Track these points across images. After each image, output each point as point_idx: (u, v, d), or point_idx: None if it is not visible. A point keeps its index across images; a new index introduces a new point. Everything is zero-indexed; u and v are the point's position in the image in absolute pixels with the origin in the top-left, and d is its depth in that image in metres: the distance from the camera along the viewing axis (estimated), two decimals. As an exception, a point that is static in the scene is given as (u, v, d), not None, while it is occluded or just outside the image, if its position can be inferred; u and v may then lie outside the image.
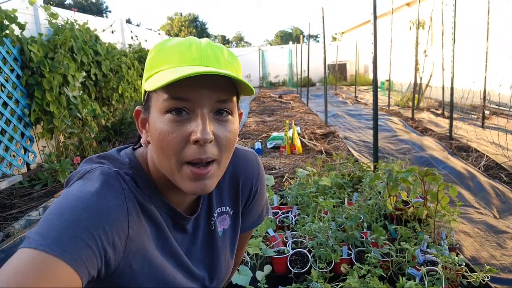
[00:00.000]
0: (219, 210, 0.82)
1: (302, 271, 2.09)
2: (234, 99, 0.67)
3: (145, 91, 0.67)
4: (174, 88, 0.61)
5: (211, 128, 0.62)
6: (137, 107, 0.72)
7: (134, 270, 0.66)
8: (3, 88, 3.87)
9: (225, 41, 49.57)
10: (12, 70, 4.01)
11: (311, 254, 2.16)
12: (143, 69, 7.94)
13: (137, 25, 18.60)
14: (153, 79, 0.64)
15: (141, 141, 0.72)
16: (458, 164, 4.11)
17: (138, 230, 0.66)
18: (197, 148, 0.62)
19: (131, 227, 0.64)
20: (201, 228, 0.79)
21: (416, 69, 7.87)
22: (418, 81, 8.30)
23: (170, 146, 0.62)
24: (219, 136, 0.64)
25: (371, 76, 13.36)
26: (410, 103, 8.27)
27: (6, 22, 3.93)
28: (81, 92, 4.89)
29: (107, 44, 6.22)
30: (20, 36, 4.15)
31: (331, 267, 2.07)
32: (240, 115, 0.74)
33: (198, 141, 0.61)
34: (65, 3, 31.86)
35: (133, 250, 0.65)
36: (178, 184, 0.65)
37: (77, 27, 5.21)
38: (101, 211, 0.59)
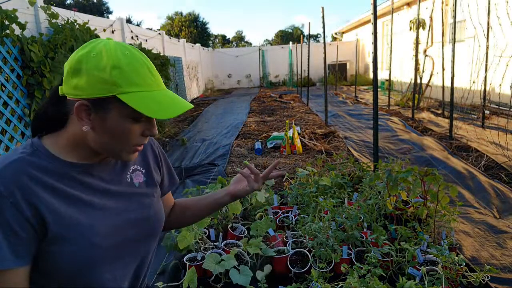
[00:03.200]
0: (133, 168, 1.02)
1: (302, 270, 2.09)
2: None
3: (107, 96, 0.80)
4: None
5: None
6: (83, 102, 0.81)
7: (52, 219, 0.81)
8: (3, 88, 3.87)
9: (225, 40, 49.43)
10: (12, 70, 4.01)
11: (311, 254, 2.17)
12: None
13: (138, 25, 18.61)
14: (133, 99, 0.80)
15: (83, 129, 0.84)
16: (458, 164, 4.11)
17: (38, 195, 0.80)
18: (144, 139, 0.89)
19: (29, 197, 0.78)
20: (119, 179, 0.97)
21: (416, 69, 7.87)
22: (418, 81, 8.30)
23: (128, 140, 0.85)
24: None
25: (371, 76, 13.35)
26: (410, 103, 8.26)
27: (7, 22, 3.92)
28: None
29: (107, 44, 6.22)
30: (20, 36, 4.15)
31: (331, 267, 2.07)
32: None
33: (148, 136, 0.89)
34: (66, 3, 31.78)
35: (45, 209, 0.80)
36: (117, 157, 0.90)
37: (77, 27, 5.21)
38: None
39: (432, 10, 8.60)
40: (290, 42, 20.51)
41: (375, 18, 3.35)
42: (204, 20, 42.93)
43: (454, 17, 5.51)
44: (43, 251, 0.81)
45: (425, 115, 7.72)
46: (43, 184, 0.81)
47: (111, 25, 7.21)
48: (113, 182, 0.95)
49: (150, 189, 1.04)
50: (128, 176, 1.00)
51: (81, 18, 5.75)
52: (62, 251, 0.81)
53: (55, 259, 0.82)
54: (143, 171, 1.04)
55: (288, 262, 2.15)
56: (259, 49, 19.49)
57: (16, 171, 0.79)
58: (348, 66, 18.05)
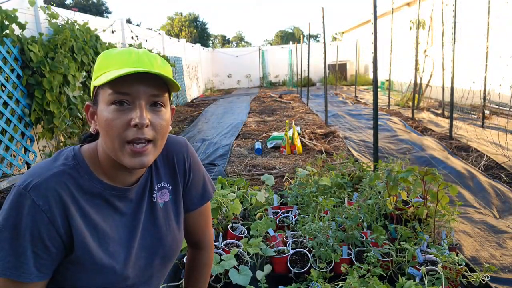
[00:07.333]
0: (159, 185, 0.98)
1: (302, 270, 2.09)
2: (166, 95, 0.85)
3: (94, 89, 0.84)
4: (117, 85, 0.78)
5: (147, 116, 0.80)
6: (87, 103, 0.88)
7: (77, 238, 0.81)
8: (3, 88, 3.87)
9: (225, 41, 49.41)
10: (12, 70, 4.01)
11: (311, 254, 2.17)
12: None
13: (138, 25, 18.59)
14: (100, 78, 0.80)
15: (91, 130, 0.88)
16: (458, 164, 4.11)
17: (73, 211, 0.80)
18: (136, 131, 0.78)
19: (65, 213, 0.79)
20: (145, 200, 0.94)
21: (416, 69, 7.87)
22: (418, 81, 8.30)
23: (115, 129, 0.78)
24: (154, 123, 0.81)
25: (371, 76, 13.34)
26: (410, 103, 8.27)
27: (6, 22, 3.92)
28: (82, 92, 4.89)
29: (107, 44, 6.21)
30: (20, 36, 4.15)
31: (331, 267, 2.07)
32: (173, 110, 0.93)
33: (137, 125, 0.78)
34: (66, 3, 31.76)
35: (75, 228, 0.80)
36: (121, 161, 0.81)
37: (77, 27, 5.20)
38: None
39: (432, 10, 8.61)
40: (290, 42, 20.52)
41: (375, 18, 3.35)
42: (204, 20, 42.89)
43: (454, 16, 5.51)
44: (63, 267, 0.82)
45: (425, 115, 7.72)
46: (77, 205, 0.81)
47: (111, 25, 7.20)
48: (138, 204, 0.93)
49: (174, 208, 1.00)
50: (154, 195, 0.96)
51: (81, 18, 5.75)
52: (78, 274, 0.83)
53: (71, 277, 0.83)
54: (170, 188, 1.00)
55: (288, 262, 2.15)
56: (259, 49, 19.49)
57: (56, 186, 0.78)
58: (348, 66, 18.04)
